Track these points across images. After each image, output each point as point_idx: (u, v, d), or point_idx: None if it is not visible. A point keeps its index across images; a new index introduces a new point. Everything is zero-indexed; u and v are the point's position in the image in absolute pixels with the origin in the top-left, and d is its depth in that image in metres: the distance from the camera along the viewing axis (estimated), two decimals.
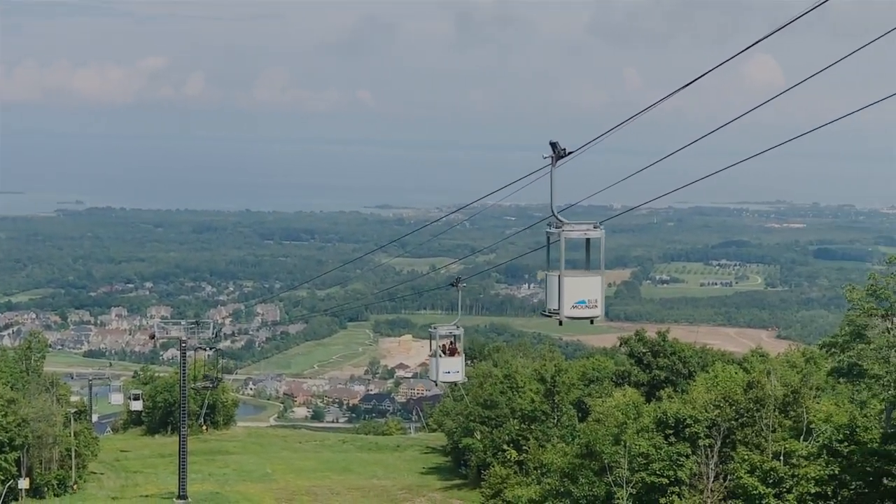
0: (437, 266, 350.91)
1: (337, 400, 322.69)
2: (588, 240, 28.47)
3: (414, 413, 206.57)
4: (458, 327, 54.51)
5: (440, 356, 53.87)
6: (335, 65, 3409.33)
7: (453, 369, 54.02)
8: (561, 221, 28.15)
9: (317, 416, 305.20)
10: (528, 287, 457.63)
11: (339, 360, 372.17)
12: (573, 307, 28.33)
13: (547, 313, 29.09)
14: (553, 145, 27.43)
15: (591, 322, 28.96)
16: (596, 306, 28.51)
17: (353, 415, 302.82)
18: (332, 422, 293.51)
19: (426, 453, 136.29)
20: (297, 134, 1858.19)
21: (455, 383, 59.49)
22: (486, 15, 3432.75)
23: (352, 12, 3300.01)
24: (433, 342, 53.95)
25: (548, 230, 28.63)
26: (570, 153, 27.46)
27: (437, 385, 58.45)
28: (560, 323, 28.90)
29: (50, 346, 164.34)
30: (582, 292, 28.39)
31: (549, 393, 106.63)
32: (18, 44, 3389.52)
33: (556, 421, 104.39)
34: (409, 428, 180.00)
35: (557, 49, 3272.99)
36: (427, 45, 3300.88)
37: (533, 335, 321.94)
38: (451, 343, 54.49)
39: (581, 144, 28.49)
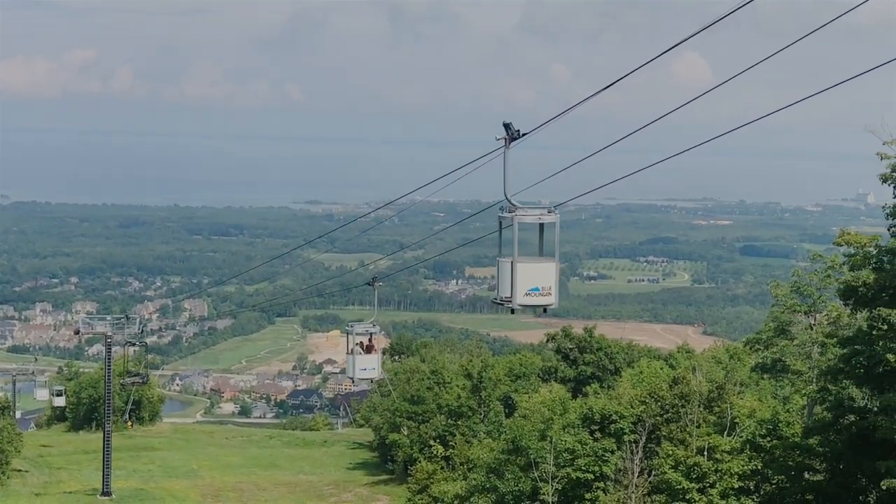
0: (365, 262, 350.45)
1: (264, 395, 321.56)
2: (542, 225, 27.84)
3: (341, 409, 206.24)
4: (374, 325, 55.61)
5: (357, 354, 54.80)
6: (265, 60, 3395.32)
7: (370, 366, 55.07)
8: (514, 206, 27.54)
9: (244, 411, 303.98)
10: (457, 283, 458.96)
11: (267, 356, 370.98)
12: (526, 295, 27.72)
13: (499, 301, 28.37)
14: (506, 126, 26.74)
15: (545, 310, 28.28)
16: (550, 294, 27.84)
17: (281, 410, 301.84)
18: (260, 417, 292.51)
19: (353, 449, 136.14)
20: (227, 129, 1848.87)
21: (371, 380, 60.38)
22: (417, 11, 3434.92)
23: (283, 7, 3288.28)
24: (350, 340, 54.93)
25: (500, 214, 27.88)
26: (524, 134, 26.88)
27: (353, 382, 59.31)
28: (512, 311, 28.30)
29: None
30: (535, 279, 27.71)
31: (475, 389, 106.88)
32: None
33: (482, 417, 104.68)
34: (337, 423, 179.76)
35: (489, 46, 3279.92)
36: (358, 40, 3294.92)
37: (461, 331, 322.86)
38: (368, 341, 55.38)
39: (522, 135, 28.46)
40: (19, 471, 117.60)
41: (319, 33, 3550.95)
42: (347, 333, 55.63)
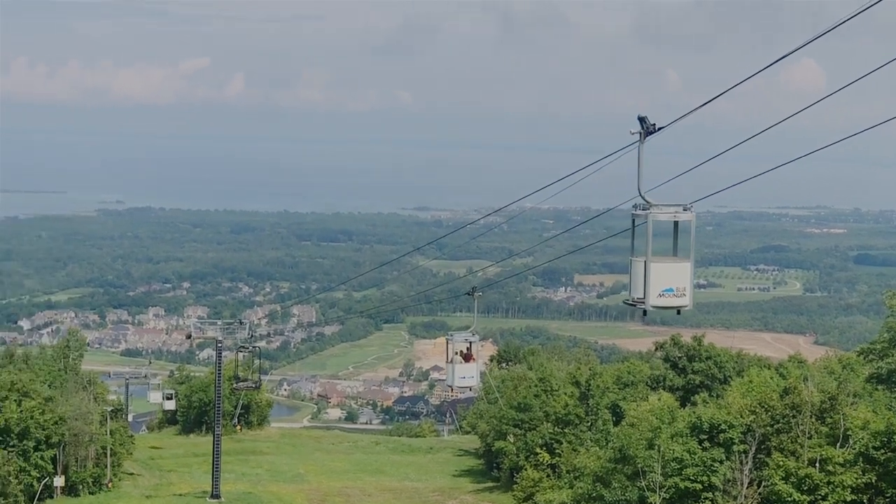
0: (473, 269, 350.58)
1: (371, 401, 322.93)
2: (677, 223, 26.92)
3: (447, 415, 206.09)
4: (473, 334, 56.23)
5: (457, 362, 55.58)
6: (376, 65, 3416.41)
7: (468, 375, 55.86)
8: (648, 203, 26.67)
9: (350, 417, 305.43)
10: (565, 290, 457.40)
11: (374, 362, 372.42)
12: (660, 296, 26.70)
13: (631, 302, 27.36)
14: (641, 120, 25.92)
15: (678, 312, 27.35)
16: (684, 295, 26.88)
17: (387, 416, 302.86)
18: (366, 423, 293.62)
19: (459, 456, 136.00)
20: (337, 135, 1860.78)
21: (470, 388, 61.22)
22: (528, 17, 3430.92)
23: (394, 13, 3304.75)
24: (450, 349, 55.67)
25: (634, 212, 26.99)
26: (659, 128, 26.09)
27: (452, 390, 59.85)
28: (645, 313, 27.28)
29: (88, 344, 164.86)
30: (670, 279, 26.72)
31: (583, 396, 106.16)
32: (65, 45, 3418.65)
33: (589, 425, 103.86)
34: (443, 430, 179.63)
35: (599, 51, 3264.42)
36: (468, 46, 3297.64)
37: (568, 339, 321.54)
38: (468, 349, 56.03)
39: (620, 147, 28.00)
40: (131, 474, 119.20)
41: (430, 39, 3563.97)
42: (447, 342, 56.24)
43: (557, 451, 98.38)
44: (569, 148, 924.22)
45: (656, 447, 71.99)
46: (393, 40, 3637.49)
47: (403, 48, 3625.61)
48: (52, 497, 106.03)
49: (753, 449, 69.21)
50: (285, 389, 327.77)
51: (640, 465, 72.37)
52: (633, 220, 27.00)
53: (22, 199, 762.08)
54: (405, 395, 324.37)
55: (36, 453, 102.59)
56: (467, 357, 56.13)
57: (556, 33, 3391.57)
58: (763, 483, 68.03)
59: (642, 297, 26.90)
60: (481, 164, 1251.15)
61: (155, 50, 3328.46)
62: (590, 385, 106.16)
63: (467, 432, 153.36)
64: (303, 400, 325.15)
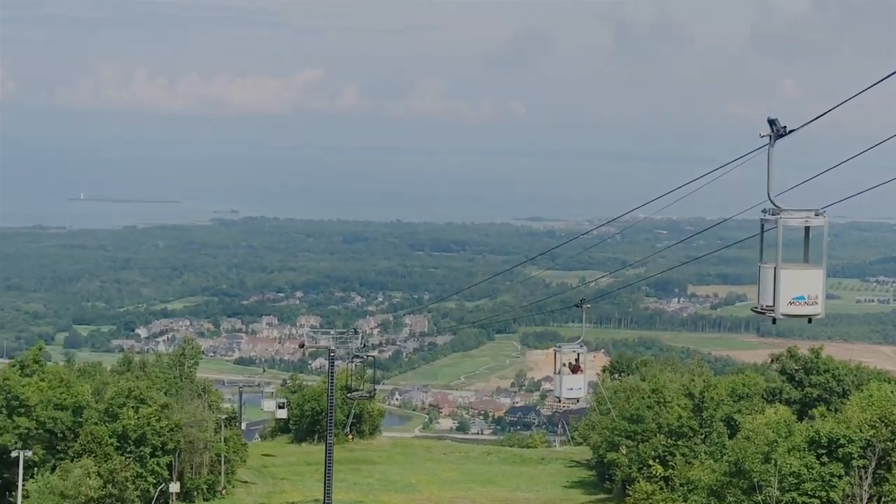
0: (586, 279, 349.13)
1: (482, 412, 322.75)
2: (808, 228, 26.46)
3: (559, 426, 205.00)
4: (581, 346, 56.26)
5: (565, 374, 55.60)
6: (490, 76, 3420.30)
7: (576, 386, 55.90)
8: (778, 208, 26.21)
9: (462, 427, 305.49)
10: (678, 301, 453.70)
11: (486, 372, 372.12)
12: (790, 303, 26.12)
13: (759, 310, 26.84)
14: (771, 123, 25.42)
15: (809, 321, 26.69)
16: (816, 303, 26.23)
17: (499, 427, 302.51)
18: (478, 433, 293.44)
19: (571, 467, 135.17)
20: (450, 145, 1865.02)
21: (577, 400, 61.32)
22: (643, 27, 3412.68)
23: (509, 24, 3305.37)
24: (557, 360, 55.77)
25: (763, 217, 26.52)
26: (790, 131, 25.58)
27: (560, 401, 60.17)
28: (774, 321, 26.76)
29: (203, 352, 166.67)
30: (801, 287, 26.11)
31: (697, 409, 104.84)
32: (183, 57, 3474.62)
33: (703, 437, 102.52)
34: (554, 441, 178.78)
35: (716, 61, 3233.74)
36: (582, 56, 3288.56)
37: (681, 350, 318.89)
38: (576, 361, 55.94)
39: (739, 155, 27.44)
40: (244, 482, 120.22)
41: (544, 50, 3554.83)
42: (555, 353, 56.22)
43: (671, 463, 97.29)
44: (682, 158, 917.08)
45: (773, 461, 70.83)
46: (507, 51, 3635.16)
47: (517, 59, 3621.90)
48: (167, 503, 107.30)
49: (873, 464, 67.82)
50: (397, 399, 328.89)
51: (755, 480, 71.23)
52: (762, 226, 26.37)
53: (139, 208, 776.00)
54: (517, 405, 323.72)
55: (152, 459, 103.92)
56: (575, 368, 55.97)
57: (672, 44, 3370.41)
58: (883, 499, 66.63)
59: (772, 304, 26.23)
60: (594, 174, 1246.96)
61: (270, 61, 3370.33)
62: (704, 397, 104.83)
63: (579, 443, 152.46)
64: (414, 410, 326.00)
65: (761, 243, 26.49)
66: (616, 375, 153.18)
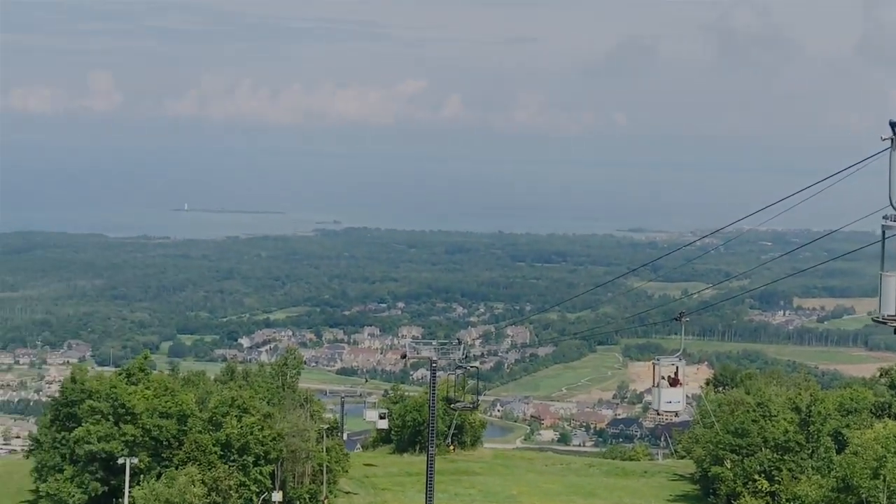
0: (689, 291, 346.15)
1: (584, 423, 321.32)
2: None
3: (662, 439, 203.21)
4: (680, 359, 55.87)
5: (663, 387, 55.27)
6: (590, 87, 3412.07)
7: (675, 399, 55.52)
8: None
9: (563, 439, 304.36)
10: (784, 314, 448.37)
11: (588, 384, 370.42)
12: None
13: (881, 319, 26.01)
14: (893, 125, 24.72)
15: None
16: None
17: (600, 439, 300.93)
18: (579, 445, 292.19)
19: (674, 480, 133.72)
20: (552, 156, 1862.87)
21: (676, 413, 60.97)
22: (749, 37, 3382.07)
23: (609, 35, 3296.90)
24: (656, 372, 55.46)
25: (885, 223, 25.71)
26: None
27: (658, 414, 59.78)
28: None
29: (305, 362, 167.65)
30: None
31: (803, 423, 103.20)
32: (286, 68, 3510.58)
33: (810, 452, 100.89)
34: (657, 454, 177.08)
35: (823, 70, 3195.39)
36: (685, 67, 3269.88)
37: (787, 363, 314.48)
38: (674, 374, 55.54)
39: (845, 166, 26.74)
40: (347, 492, 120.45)
41: (646, 60, 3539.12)
42: (654, 366, 55.88)
43: (777, 478, 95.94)
44: (786, 169, 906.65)
45: (882, 477, 69.46)
46: (608, 62, 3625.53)
47: (618, 70, 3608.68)
48: None
49: None
50: (498, 410, 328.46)
51: (864, 496, 69.92)
52: (884, 233, 25.45)
53: (242, 219, 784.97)
54: (619, 417, 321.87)
55: (255, 468, 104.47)
56: (674, 382, 55.54)
57: (778, 54, 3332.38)
58: None
59: (894, 314, 25.32)
60: (697, 185, 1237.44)
61: (373, 72, 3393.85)
62: (810, 411, 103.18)
63: (682, 456, 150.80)
64: (516, 421, 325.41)
65: (882, 252, 25.53)
66: (720, 388, 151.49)
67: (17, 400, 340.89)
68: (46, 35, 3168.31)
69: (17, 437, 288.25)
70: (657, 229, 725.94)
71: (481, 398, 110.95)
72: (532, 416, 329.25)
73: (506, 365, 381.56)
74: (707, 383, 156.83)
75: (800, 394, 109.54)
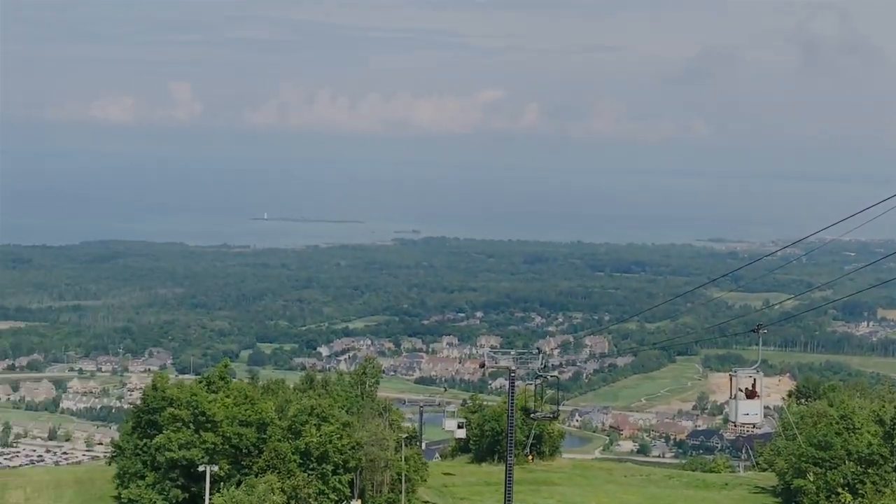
0: (770, 301, 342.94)
1: (664, 434, 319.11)
2: None
3: (743, 451, 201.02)
4: (758, 371, 55.35)
5: (739, 399, 54.99)
6: (670, 96, 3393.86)
7: (752, 411, 55.14)
8: None
9: (643, 449, 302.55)
10: (868, 325, 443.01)
11: (667, 395, 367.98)
12: None
13: None
14: None
15: None
16: None
17: (680, 450, 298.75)
18: (659, 456, 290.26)
19: (755, 493, 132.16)
20: (630, 165, 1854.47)
21: (753, 425, 60.36)
22: (833, 45, 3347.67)
23: (691, 43, 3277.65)
24: (733, 385, 55.16)
25: None
26: None
27: (735, 426, 59.16)
28: None
29: (383, 371, 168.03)
30: None
31: (888, 436, 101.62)
32: (364, 78, 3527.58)
33: (895, 466, 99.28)
34: (738, 466, 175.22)
35: None
36: (767, 75, 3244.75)
37: (871, 375, 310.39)
38: (752, 386, 55.09)
39: None
40: (425, 501, 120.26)
41: (728, 68, 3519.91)
42: (731, 378, 55.52)
43: (860, 491, 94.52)
44: (871, 178, 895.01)
45: None
46: (688, 70, 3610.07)
47: (699, 78, 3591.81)
48: None
49: None
50: (577, 420, 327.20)
51: None
52: None
53: (322, 228, 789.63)
54: (699, 428, 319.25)
55: (334, 477, 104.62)
56: (751, 394, 55.20)
57: (863, 61, 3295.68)
58: None
59: None
60: (777, 194, 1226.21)
61: (451, 82, 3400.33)
62: (895, 424, 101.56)
63: (764, 469, 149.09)
64: (594, 431, 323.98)
65: None
66: (802, 400, 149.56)
67: (99, 407, 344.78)
68: (128, 46, 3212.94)
69: (100, 443, 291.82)
70: (737, 239, 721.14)
71: (560, 408, 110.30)
72: (611, 427, 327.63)
73: (584, 375, 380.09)
74: (789, 395, 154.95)
75: (884, 406, 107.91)
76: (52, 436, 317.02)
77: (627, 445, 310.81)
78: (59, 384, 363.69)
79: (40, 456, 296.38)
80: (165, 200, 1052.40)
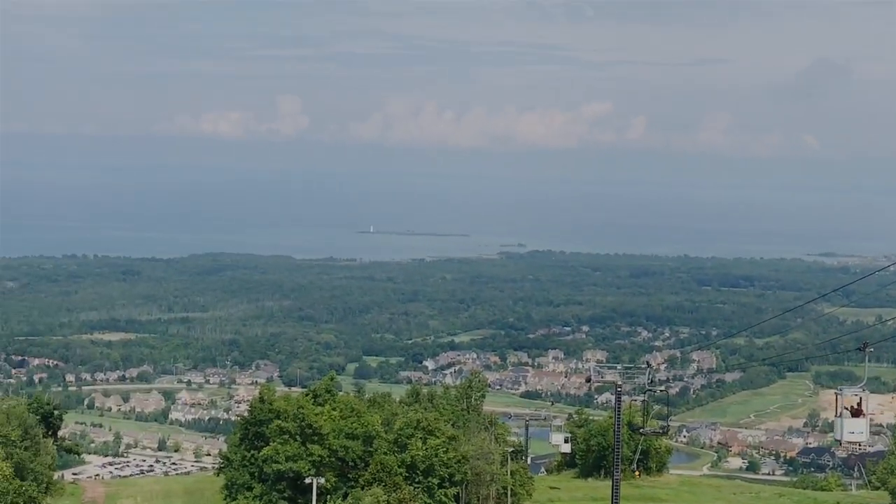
0: (884, 317, 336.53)
1: (773, 451, 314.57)
2: None
3: (855, 469, 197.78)
4: (863, 390, 54.35)
5: (845, 417, 54.13)
6: (780, 109, 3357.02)
7: (857, 430, 54.25)
8: None
9: (752, 467, 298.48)
10: None
11: (777, 411, 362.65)
12: None
13: None
14: None
15: None
16: None
17: (790, 468, 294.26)
18: (768, 474, 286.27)
19: None
20: (737, 179, 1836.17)
21: (859, 444, 59.45)
22: None
23: (802, 55, 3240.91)
24: (839, 403, 54.40)
25: None
26: None
27: (840, 445, 58.40)
28: None
29: (489, 385, 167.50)
30: None
31: None
32: (470, 92, 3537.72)
33: None
34: (850, 484, 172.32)
35: None
36: (880, 87, 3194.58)
37: None
38: (857, 404, 54.13)
39: None
40: None
41: (840, 81, 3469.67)
42: (836, 396, 54.69)
43: None
44: None
45: None
46: (799, 83, 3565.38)
47: (810, 90, 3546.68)
48: None
49: None
50: (684, 436, 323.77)
51: None
52: None
53: (427, 241, 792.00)
54: (809, 446, 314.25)
55: (440, 490, 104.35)
56: (857, 412, 54.30)
57: None
58: None
59: None
60: (891, 208, 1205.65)
61: (557, 95, 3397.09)
62: None
63: (877, 487, 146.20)
64: (702, 447, 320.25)
65: None
66: None
67: (207, 418, 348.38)
68: (236, 61, 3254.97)
69: (208, 454, 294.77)
70: (849, 253, 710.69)
71: (661, 424, 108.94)
72: (719, 443, 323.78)
73: (691, 390, 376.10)
74: None
75: None
76: (162, 446, 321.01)
77: (736, 462, 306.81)
78: (169, 395, 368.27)
79: (150, 466, 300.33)
80: (272, 213, 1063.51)
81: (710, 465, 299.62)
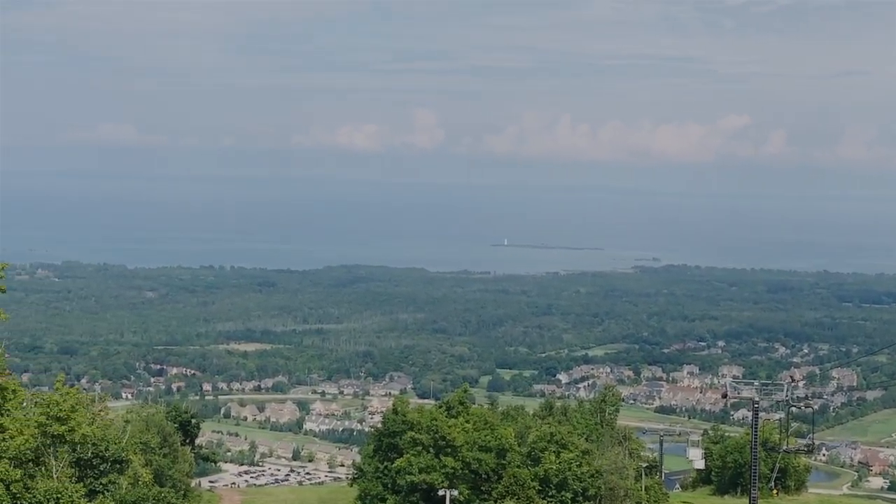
0: None
1: None
2: None
3: None
4: None
5: None
6: None
7: None
8: None
9: (893, 487, 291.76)
10: None
11: None
12: None
13: None
14: None
15: None
16: None
17: None
18: None
19: None
20: (879, 192, 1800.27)
21: None
22: None
23: None
24: None
25: None
26: None
27: None
28: None
29: (623, 400, 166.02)
30: None
31: None
32: (605, 105, 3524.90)
33: None
34: None
35: None
36: None
37: None
38: None
39: None
40: None
41: None
42: None
43: None
44: None
45: None
46: None
47: None
48: None
49: None
50: (824, 454, 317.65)
51: None
52: None
53: (562, 255, 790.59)
54: None
55: None
56: None
57: None
58: None
59: None
60: None
61: (694, 108, 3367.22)
62: None
63: None
64: (842, 466, 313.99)
65: None
66: None
67: (341, 429, 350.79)
68: (371, 73, 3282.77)
69: (342, 465, 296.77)
70: None
71: (806, 442, 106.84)
72: (860, 462, 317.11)
73: (831, 408, 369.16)
74: None
75: None
76: (296, 456, 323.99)
77: (877, 482, 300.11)
78: (303, 406, 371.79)
79: (286, 475, 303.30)
80: (407, 226, 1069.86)
81: (850, 484, 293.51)
